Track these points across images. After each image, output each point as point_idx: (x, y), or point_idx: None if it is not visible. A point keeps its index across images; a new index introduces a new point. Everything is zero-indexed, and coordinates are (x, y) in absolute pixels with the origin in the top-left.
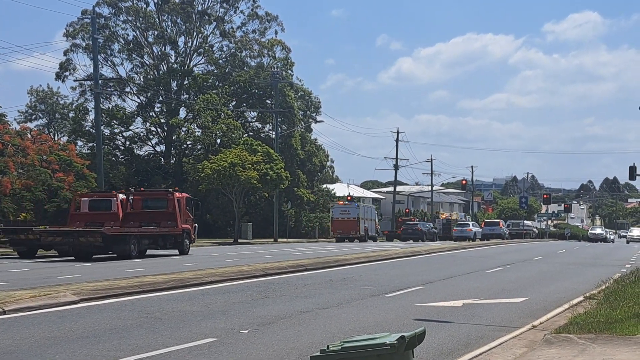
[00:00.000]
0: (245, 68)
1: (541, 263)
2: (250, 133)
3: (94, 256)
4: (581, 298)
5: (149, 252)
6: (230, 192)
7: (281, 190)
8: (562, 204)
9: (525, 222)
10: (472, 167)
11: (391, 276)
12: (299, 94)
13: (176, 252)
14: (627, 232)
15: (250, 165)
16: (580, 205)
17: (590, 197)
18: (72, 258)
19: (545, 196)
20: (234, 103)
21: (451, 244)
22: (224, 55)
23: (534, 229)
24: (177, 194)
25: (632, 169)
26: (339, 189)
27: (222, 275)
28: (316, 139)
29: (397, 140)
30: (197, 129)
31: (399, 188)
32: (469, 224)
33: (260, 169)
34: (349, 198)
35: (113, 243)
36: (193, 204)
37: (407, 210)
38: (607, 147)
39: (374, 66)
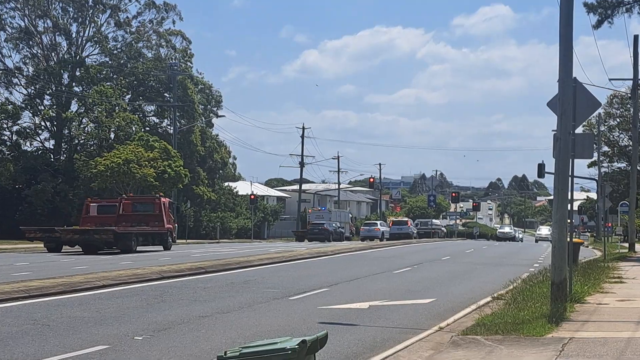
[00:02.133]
0: (141, 59)
1: (449, 263)
2: (147, 128)
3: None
4: (489, 298)
5: (137, 248)
6: (125, 190)
7: (180, 188)
8: (471, 202)
9: (434, 221)
10: (379, 164)
11: (295, 278)
12: (199, 87)
13: (161, 248)
14: (535, 231)
15: (146, 162)
16: (489, 203)
17: (499, 196)
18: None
19: (453, 194)
20: (129, 96)
21: (359, 244)
22: (119, 46)
23: (443, 228)
24: (163, 199)
25: (541, 167)
26: (242, 187)
27: (116, 279)
28: (217, 135)
29: (302, 137)
30: (91, 124)
31: (305, 186)
32: (376, 223)
33: (157, 166)
34: (251, 197)
35: (120, 240)
36: (174, 207)
37: (311, 211)
38: (516, 144)
39: (278, 58)
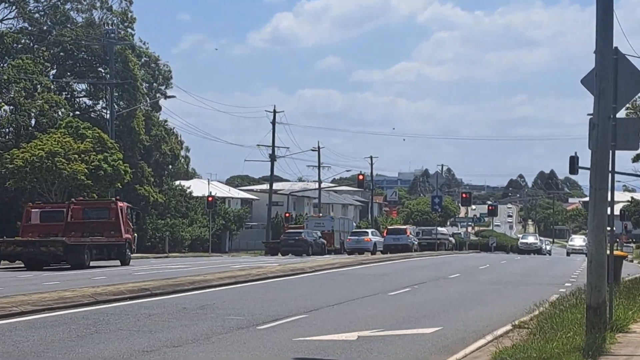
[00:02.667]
0: (70, 25)
1: (459, 282)
2: (77, 112)
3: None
4: (508, 327)
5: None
6: (49, 190)
7: (118, 188)
8: (486, 206)
9: (440, 229)
10: (371, 158)
11: (266, 302)
12: (143, 60)
13: (118, 262)
14: (567, 242)
15: (76, 156)
16: (508, 207)
17: (522, 197)
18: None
19: (464, 196)
20: (54, 72)
21: (344, 258)
22: (41, 8)
23: (451, 238)
24: (120, 203)
25: (573, 161)
26: (197, 187)
27: (37, 304)
28: (166, 121)
29: (273, 123)
30: (5, 106)
31: (277, 185)
32: (367, 233)
33: (90, 160)
34: (209, 199)
35: (70, 253)
36: (134, 213)
37: (287, 215)
38: (542, 132)
39: (242, 24)
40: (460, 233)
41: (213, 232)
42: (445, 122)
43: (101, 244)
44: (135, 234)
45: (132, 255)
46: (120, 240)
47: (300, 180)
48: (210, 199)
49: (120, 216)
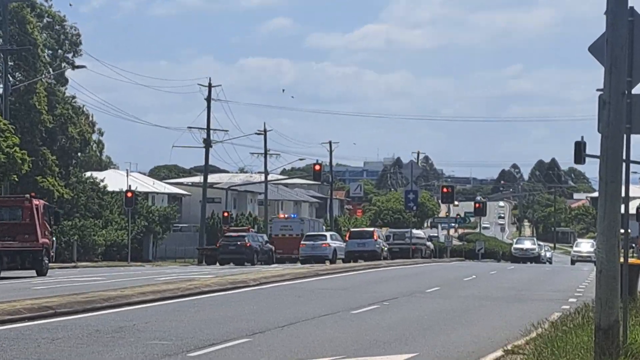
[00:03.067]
0: None
1: (438, 298)
2: None
3: None
4: (499, 353)
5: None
6: None
7: (14, 182)
8: (473, 203)
9: (415, 232)
10: (330, 143)
11: (199, 322)
12: (45, 22)
13: (33, 272)
14: (572, 247)
15: None
16: (500, 204)
17: (516, 192)
18: None
19: (445, 190)
20: None
21: (297, 268)
22: None
23: (429, 243)
24: (35, 201)
25: (579, 147)
26: (113, 180)
27: None
28: (74, 97)
29: (209, 100)
30: None
31: (213, 177)
32: (325, 237)
33: None
34: (128, 195)
35: None
36: (52, 213)
37: (226, 214)
38: (541, 111)
39: None
40: (439, 237)
41: (133, 236)
42: (422, 99)
43: (13, 250)
44: (54, 238)
45: (50, 263)
46: (37, 246)
47: (242, 171)
48: (129, 194)
49: (37, 217)
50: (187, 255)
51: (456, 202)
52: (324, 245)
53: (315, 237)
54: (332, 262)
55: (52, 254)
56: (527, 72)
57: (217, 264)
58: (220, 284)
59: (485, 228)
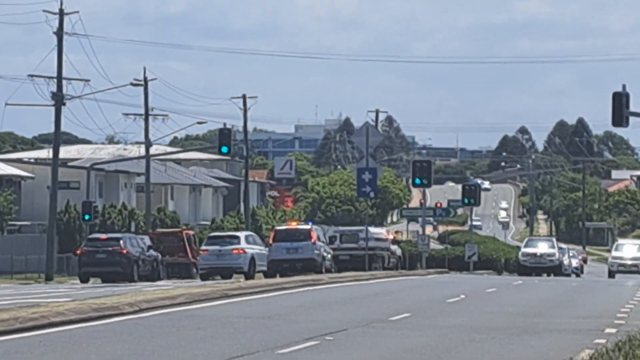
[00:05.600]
0: None
1: (408, 329)
2: None
3: None
4: None
5: None
6: None
7: None
8: (460, 186)
9: (374, 230)
10: (244, 98)
11: None
12: None
13: None
14: (610, 252)
15: None
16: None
17: (525, 170)
18: None
19: (418, 166)
20: None
21: (195, 286)
22: None
23: (394, 247)
24: None
25: (620, 100)
26: None
27: None
28: None
29: (60, 33)
30: None
31: (69, 151)
32: (236, 238)
33: None
34: None
35: None
36: None
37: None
38: (564, 48)
39: None
40: (411, 239)
41: None
42: (383, 30)
43: None
44: None
45: None
46: None
47: (111, 141)
48: None
49: None
50: (29, 268)
51: (439, 189)
52: (235, 251)
53: (222, 240)
54: (249, 276)
55: None
56: None
57: (78, 280)
58: (80, 311)
59: (477, 224)
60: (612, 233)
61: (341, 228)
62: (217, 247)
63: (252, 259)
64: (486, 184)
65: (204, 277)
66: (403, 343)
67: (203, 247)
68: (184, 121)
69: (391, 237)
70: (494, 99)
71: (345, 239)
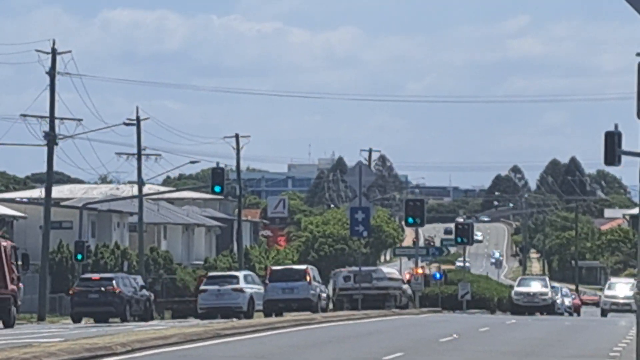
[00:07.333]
0: None
1: None
2: None
3: None
4: None
5: None
6: None
7: None
8: (453, 225)
9: (386, 270)
10: (237, 137)
11: None
12: None
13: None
14: (603, 291)
15: None
16: (489, 226)
17: (518, 207)
18: None
19: (411, 205)
20: None
21: (188, 326)
22: None
23: (405, 286)
24: (3, 242)
25: (613, 140)
26: None
27: None
28: None
29: (52, 73)
30: None
31: (62, 190)
32: (235, 278)
33: None
34: None
35: None
36: (19, 255)
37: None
38: (557, 87)
39: None
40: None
41: None
42: (377, 69)
43: None
44: (22, 285)
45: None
46: (5, 293)
47: (104, 180)
48: None
49: (4, 259)
50: (21, 308)
51: (431, 229)
52: (235, 289)
53: (221, 280)
54: (249, 315)
55: (19, 302)
56: (536, 27)
57: (70, 319)
58: (72, 352)
59: (466, 263)
60: (604, 272)
61: (354, 269)
62: (216, 287)
63: (251, 298)
64: (479, 235)
65: (203, 317)
66: None
67: (202, 286)
68: (177, 160)
69: (407, 277)
70: (487, 138)
71: (359, 279)
